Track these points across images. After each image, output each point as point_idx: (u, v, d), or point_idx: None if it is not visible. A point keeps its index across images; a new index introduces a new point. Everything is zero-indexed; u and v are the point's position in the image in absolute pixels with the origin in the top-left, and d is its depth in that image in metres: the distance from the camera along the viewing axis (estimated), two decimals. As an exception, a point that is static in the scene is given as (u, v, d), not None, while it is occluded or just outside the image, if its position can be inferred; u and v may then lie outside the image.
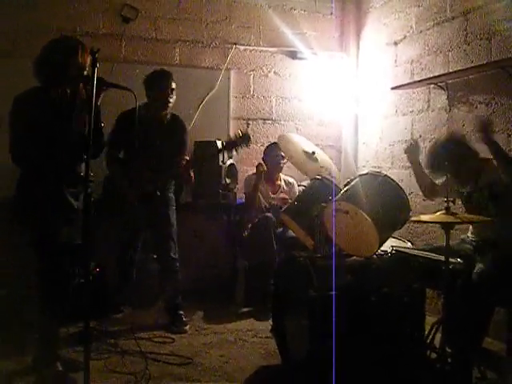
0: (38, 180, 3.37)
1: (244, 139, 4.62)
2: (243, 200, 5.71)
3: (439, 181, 4.11)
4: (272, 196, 5.60)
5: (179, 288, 4.78)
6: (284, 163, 5.56)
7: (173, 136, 4.69)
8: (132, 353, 4.00)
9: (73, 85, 3.37)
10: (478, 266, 3.43)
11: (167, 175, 4.63)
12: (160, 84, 4.62)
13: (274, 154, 5.55)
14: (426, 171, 4.10)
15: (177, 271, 4.73)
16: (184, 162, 4.67)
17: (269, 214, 5.31)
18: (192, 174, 4.73)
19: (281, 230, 5.30)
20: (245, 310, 5.25)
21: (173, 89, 4.64)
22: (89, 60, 3.34)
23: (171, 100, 4.64)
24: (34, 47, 3.49)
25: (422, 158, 4.22)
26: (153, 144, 4.57)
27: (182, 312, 4.73)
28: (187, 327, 4.64)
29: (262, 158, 5.67)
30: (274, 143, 5.55)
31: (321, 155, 4.43)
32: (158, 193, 4.56)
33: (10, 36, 5.36)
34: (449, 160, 3.66)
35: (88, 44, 3.35)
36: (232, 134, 4.76)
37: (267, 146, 5.73)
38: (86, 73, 3.33)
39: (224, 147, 4.71)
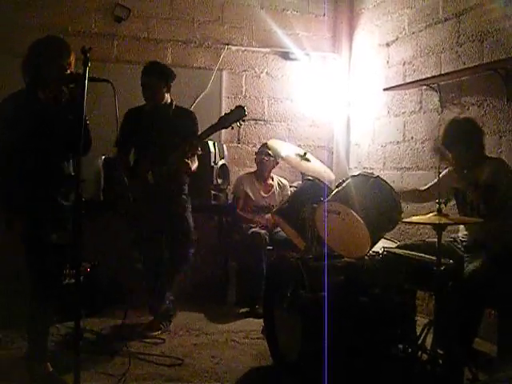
0: (24, 181, 3.35)
1: (238, 112, 4.31)
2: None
3: (431, 184, 4.14)
4: (264, 195, 5.62)
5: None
6: (274, 164, 5.61)
7: (177, 128, 4.50)
8: (122, 353, 3.98)
9: (57, 86, 3.35)
10: (469, 267, 3.43)
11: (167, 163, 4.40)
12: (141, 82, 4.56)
13: (263, 154, 5.62)
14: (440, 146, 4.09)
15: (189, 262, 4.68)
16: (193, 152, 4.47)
17: (261, 231, 5.32)
18: (189, 162, 4.44)
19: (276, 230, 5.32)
20: (236, 310, 5.23)
21: (151, 85, 4.51)
22: (73, 60, 3.34)
23: (153, 97, 4.54)
24: (26, 46, 3.47)
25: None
26: (157, 137, 4.47)
27: (172, 313, 4.71)
28: (170, 326, 4.63)
29: (255, 158, 5.74)
30: (266, 143, 5.60)
31: (311, 157, 4.43)
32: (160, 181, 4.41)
33: (2, 34, 5.33)
34: (463, 134, 3.77)
35: (80, 43, 3.31)
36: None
37: (260, 147, 5.75)
38: (68, 71, 3.32)
39: (218, 124, 4.37)
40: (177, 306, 4.82)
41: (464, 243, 3.86)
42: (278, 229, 5.18)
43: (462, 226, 3.97)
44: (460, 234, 3.96)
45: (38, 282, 3.41)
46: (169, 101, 4.59)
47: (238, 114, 4.25)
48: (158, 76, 4.54)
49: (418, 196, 4.25)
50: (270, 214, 5.37)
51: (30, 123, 3.28)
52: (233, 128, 4.36)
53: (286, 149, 4.46)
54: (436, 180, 4.10)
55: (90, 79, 3.01)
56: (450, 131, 3.85)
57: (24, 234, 3.40)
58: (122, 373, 3.62)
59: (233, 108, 4.33)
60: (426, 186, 4.18)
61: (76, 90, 3.22)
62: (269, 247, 5.24)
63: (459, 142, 3.76)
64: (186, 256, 4.63)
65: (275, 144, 4.69)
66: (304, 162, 4.23)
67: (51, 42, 3.45)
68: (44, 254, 3.37)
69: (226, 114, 4.32)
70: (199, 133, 4.42)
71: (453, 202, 3.93)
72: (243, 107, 4.27)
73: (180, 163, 4.36)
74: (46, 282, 3.41)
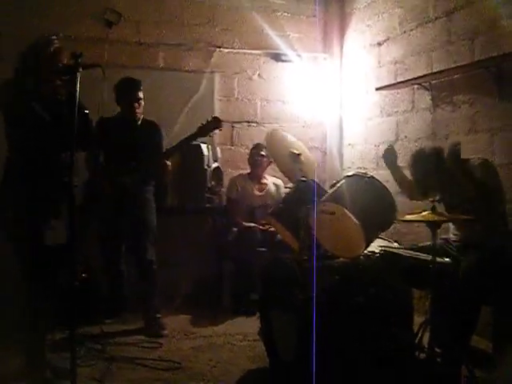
0: (22, 180, 3.37)
1: (215, 122, 4.68)
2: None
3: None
4: (258, 194, 5.64)
5: (156, 290, 4.74)
6: (267, 163, 5.62)
7: (145, 139, 4.71)
8: (119, 359, 3.97)
9: (51, 78, 3.37)
10: (463, 265, 3.44)
11: (140, 168, 4.59)
12: (126, 95, 4.69)
13: (255, 154, 5.65)
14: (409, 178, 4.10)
15: (153, 273, 4.71)
16: (163, 163, 4.67)
17: (253, 225, 5.37)
18: (168, 163, 4.65)
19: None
20: (232, 312, 5.22)
21: (139, 98, 4.69)
22: (61, 55, 3.36)
23: (138, 111, 4.71)
24: (15, 51, 3.47)
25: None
26: (127, 147, 4.61)
27: (159, 315, 4.71)
28: (165, 331, 4.61)
29: (248, 159, 5.77)
30: (258, 143, 5.65)
31: (306, 157, 4.40)
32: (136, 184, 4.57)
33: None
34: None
35: (71, 48, 3.31)
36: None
37: (252, 146, 5.77)
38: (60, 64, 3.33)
39: (197, 134, 4.66)
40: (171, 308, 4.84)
41: (456, 243, 3.87)
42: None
43: (452, 227, 3.97)
44: (451, 235, 3.97)
45: (32, 283, 3.42)
46: (140, 115, 4.80)
47: (214, 125, 4.70)
48: (141, 90, 4.75)
49: (412, 186, 4.23)
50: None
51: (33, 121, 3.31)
52: (210, 136, 4.93)
53: (282, 146, 4.43)
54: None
55: (79, 67, 3.03)
56: (424, 171, 3.82)
57: (19, 239, 3.41)
58: (120, 378, 3.62)
59: (209, 118, 4.71)
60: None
61: (71, 83, 3.21)
62: (263, 248, 5.24)
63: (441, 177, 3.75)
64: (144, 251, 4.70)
65: (273, 140, 4.65)
66: (292, 164, 4.21)
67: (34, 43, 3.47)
68: (40, 255, 3.38)
69: (202, 124, 4.65)
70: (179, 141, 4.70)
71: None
72: (218, 118, 4.80)
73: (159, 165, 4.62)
74: (40, 283, 3.41)
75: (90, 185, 4.65)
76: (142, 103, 4.72)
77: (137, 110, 4.69)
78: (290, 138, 4.54)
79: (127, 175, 4.52)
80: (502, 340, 3.65)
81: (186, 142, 4.62)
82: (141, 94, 4.69)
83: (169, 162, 4.64)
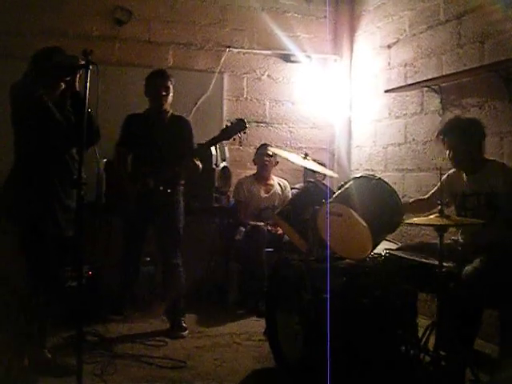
0: (30, 176, 3.39)
1: (240, 125, 4.42)
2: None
3: (432, 191, 4.14)
4: (264, 196, 5.64)
5: (181, 293, 4.68)
6: (274, 163, 5.62)
7: (174, 135, 4.58)
8: (125, 356, 3.98)
9: (55, 80, 3.42)
10: (468, 268, 3.43)
11: (169, 170, 4.47)
12: (152, 83, 4.60)
13: (262, 154, 5.64)
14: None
15: (179, 276, 4.63)
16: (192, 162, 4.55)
17: (260, 224, 5.36)
18: (198, 162, 4.55)
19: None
20: (238, 312, 5.23)
21: (167, 87, 4.58)
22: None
23: (166, 99, 4.58)
24: (26, 49, 3.49)
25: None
26: (155, 143, 4.52)
27: (182, 318, 4.66)
28: (186, 333, 4.58)
29: (253, 160, 5.80)
30: (264, 144, 5.64)
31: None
32: (161, 187, 4.42)
33: (2, 38, 5.33)
34: (463, 133, 3.72)
35: (81, 46, 3.32)
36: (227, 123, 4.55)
37: (258, 147, 5.77)
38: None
39: (220, 136, 4.46)
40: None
41: (464, 246, 3.86)
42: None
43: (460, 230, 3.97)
44: (460, 237, 3.96)
45: (39, 278, 3.45)
46: (168, 108, 4.66)
47: (238, 127, 4.37)
48: (170, 81, 4.61)
49: (422, 206, 4.23)
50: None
51: (42, 120, 3.34)
52: (234, 139, 4.50)
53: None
54: (437, 187, 4.10)
55: (74, 68, 3.08)
56: (451, 127, 3.83)
57: (28, 232, 3.43)
58: (125, 375, 3.63)
59: (233, 120, 4.46)
60: (428, 194, 4.18)
61: (73, 83, 3.36)
62: (269, 249, 5.24)
63: (458, 139, 3.74)
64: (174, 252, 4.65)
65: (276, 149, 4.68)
66: (305, 161, 4.21)
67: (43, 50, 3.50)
68: (47, 251, 3.41)
69: (226, 126, 4.42)
70: (200, 143, 4.55)
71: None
72: (243, 120, 4.40)
73: (189, 166, 4.51)
74: (47, 278, 3.45)
75: (117, 185, 4.65)
76: (171, 94, 4.61)
77: (164, 98, 4.56)
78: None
79: (154, 176, 4.42)
80: (508, 344, 3.64)
81: (209, 144, 4.50)
82: (169, 84, 4.59)
83: (198, 162, 4.55)
